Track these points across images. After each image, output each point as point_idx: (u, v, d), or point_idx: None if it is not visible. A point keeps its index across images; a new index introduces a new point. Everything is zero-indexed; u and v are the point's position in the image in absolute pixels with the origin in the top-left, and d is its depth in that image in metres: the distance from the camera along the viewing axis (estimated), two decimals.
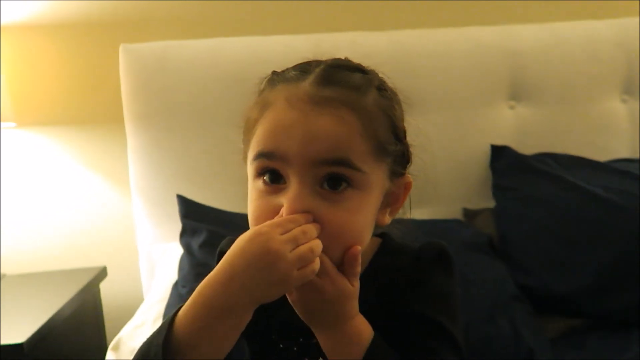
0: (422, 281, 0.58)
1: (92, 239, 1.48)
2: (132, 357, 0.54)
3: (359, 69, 0.59)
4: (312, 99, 0.52)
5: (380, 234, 0.63)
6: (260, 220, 0.52)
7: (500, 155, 1.34)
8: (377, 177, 0.55)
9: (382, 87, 0.58)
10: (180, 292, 1.00)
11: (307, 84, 0.54)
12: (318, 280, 0.51)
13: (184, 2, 1.43)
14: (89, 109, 1.44)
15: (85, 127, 1.44)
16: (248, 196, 0.56)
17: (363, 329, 0.54)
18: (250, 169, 0.55)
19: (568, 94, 1.41)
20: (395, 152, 0.56)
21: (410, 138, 0.60)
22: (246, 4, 1.44)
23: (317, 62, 0.57)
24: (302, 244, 0.49)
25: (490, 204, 1.32)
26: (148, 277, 1.35)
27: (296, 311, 0.54)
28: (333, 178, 0.52)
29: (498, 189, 1.31)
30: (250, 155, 0.55)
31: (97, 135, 1.45)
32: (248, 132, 0.57)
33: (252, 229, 0.51)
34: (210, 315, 0.49)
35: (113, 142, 1.43)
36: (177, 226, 1.17)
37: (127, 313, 1.50)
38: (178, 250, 1.17)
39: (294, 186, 0.52)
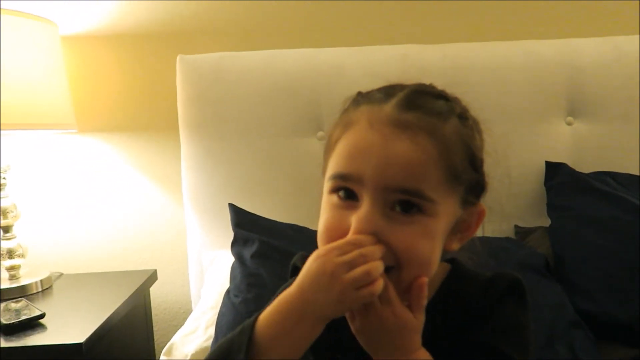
0: (492, 311, 0.57)
1: (145, 242, 1.52)
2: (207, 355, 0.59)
3: (442, 96, 0.60)
4: (392, 122, 0.53)
5: (450, 259, 0.62)
6: (328, 232, 0.55)
7: (556, 173, 1.30)
8: (447, 205, 0.55)
9: (463, 116, 0.59)
10: (232, 301, 1.01)
11: (389, 107, 0.55)
12: (379, 307, 0.52)
13: (239, 15, 1.46)
14: (146, 117, 1.48)
15: (142, 134, 1.49)
16: (321, 207, 0.58)
17: None
18: (327, 185, 0.57)
19: (629, 110, 1.35)
20: (470, 180, 0.57)
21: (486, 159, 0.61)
22: (299, 17, 1.46)
23: (402, 86, 0.59)
24: (359, 266, 0.50)
25: (544, 222, 1.28)
26: (197, 282, 1.38)
27: (357, 338, 0.55)
28: (404, 202, 0.53)
29: (553, 208, 1.27)
30: (328, 173, 0.57)
31: (153, 142, 1.49)
32: (329, 148, 0.59)
33: (315, 251, 0.54)
34: (287, 322, 0.53)
35: (168, 149, 1.47)
36: (227, 234, 1.19)
37: (175, 316, 1.54)
38: (227, 258, 1.18)
39: (364, 207, 0.53)
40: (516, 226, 1.33)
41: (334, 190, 0.56)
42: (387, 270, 0.52)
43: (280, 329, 0.53)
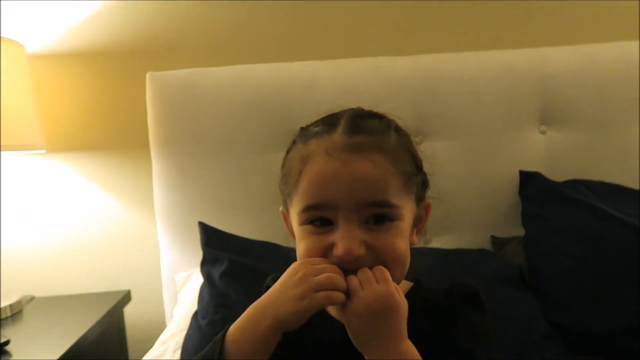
0: (456, 315, 0.62)
1: (119, 263, 1.50)
2: None
3: (376, 115, 0.66)
4: (346, 148, 0.59)
5: (414, 280, 0.68)
6: (309, 255, 0.60)
7: (530, 182, 1.29)
8: (408, 206, 0.62)
9: (397, 128, 0.65)
10: (199, 323, 0.99)
11: (337, 136, 0.60)
12: (360, 290, 0.56)
13: (209, 30, 1.45)
14: (116, 136, 1.46)
15: (112, 153, 1.47)
16: (296, 237, 0.64)
17: (415, 353, 0.56)
18: (299, 217, 0.61)
19: (602, 119, 1.35)
20: (418, 181, 0.65)
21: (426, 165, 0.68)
22: (270, 31, 1.45)
23: (338, 114, 0.64)
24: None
25: (520, 232, 1.27)
26: (170, 302, 1.35)
27: (350, 334, 0.57)
28: (376, 216, 0.59)
29: (527, 217, 1.26)
30: (298, 206, 0.61)
31: (124, 161, 1.47)
32: (290, 181, 0.63)
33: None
34: (248, 324, 0.58)
35: (139, 168, 1.45)
36: (200, 252, 1.16)
37: (150, 337, 1.51)
38: (201, 277, 1.16)
39: (343, 226, 0.58)
40: (492, 237, 1.32)
41: (309, 221, 0.60)
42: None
43: (241, 332, 0.58)
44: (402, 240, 0.60)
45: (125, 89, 1.44)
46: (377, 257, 0.58)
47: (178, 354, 1.00)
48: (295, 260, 0.65)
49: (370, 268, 0.58)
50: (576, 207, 1.18)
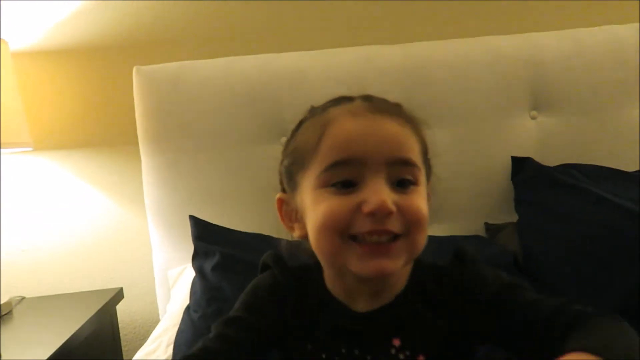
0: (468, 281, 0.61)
1: (110, 260, 1.48)
2: None
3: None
4: (371, 109, 0.58)
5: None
6: (335, 215, 0.55)
7: (522, 168, 1.29)
8: (423, 175, 0.60)
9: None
10: (192, 317, 0.98)
11: (358, 102, 0.60)
12: None
13: (195, 23, 1.43)
14: (104, 132, 1.44)
15: (101, 149, 1.45)
16: (312, 202, 0.58)
17: None
18: (318, 180, 0.57)
19: (593, 103, 1.35)
20: (427, 160, 0.63)
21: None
22: (258, 22, 1.44)
23: (345, 97, 0.63)
24: None
25: (514, 218, 1.26)
26: (164, 299, 1.34)
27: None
28: (401, 181, 0.57)
29: (520, 203, 1.26)
30: (321, 166, 0.57)
31: (113, 157, 1.45)
32: (306, 151, 0.59)
33: None
34: None
35: (128, 164, 1.44)
36: (192, 247, 1.15)
37: (144, 334, 1.50)
38: (193, 273, 1.15)
39: (372, 183, 0.55)
40: (486, 223, 1.32)
41: (331, 182, 0.56)
42: (397, 238, 0.55)
43: None
44: (425, 204, 0.58)
45: (112, 84, 1.43)
46: (404, 219, 0.55)
47: (171, 350, 0.99)
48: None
49: (398, 233, 0.55)
50: (569, 191, 1.18)
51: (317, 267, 0.64)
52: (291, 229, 0.64)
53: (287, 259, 0.68)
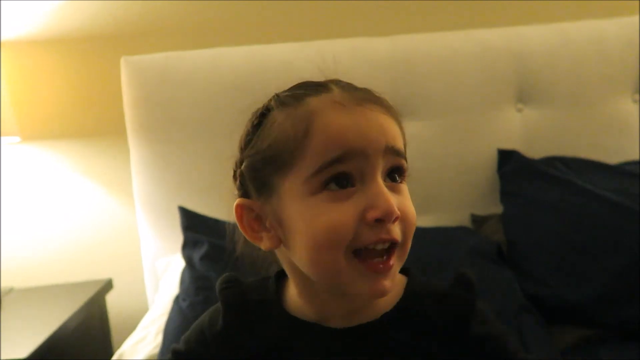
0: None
1: (98, 251, 1.48)
2: None
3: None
4: (356, 100, 0.51)
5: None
6: (338, 229, 0.49)
7: (508, 160, 1.31)
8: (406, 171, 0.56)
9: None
10: (180, 305, 0.99)
11: (337, 92, 0.52)
12: None
13: (183, 13, 1.43)
14: (92, 122, 1.44)
15: (89, 140, 1.45)
16: (305, 215, 0.50)
17: None
18: (309, 185, 0.50)
19: (577, 96, 1.37)
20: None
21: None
22: (246, 13, 1.44)
23: (312, 82, 0.56)
24: None
25: (499, 209, 1.28)
26: (153, 289, 1.34)
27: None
28: (393, 171, 0.53)
29: (506, 195, 1.28)
30: (309, 169, 0.50)
31: (101, 148, 1.45)
32: (283, 156, 0.51)
33: None
34: None
35: (116, 154, 1.44)
36: (181, 238, 1.16)
37: (133, 325, 1.50)
38: (182, 263, 1.16)
39: (376, 180, 0.50)
40: (472, 214, 1.33)
41: (325, 184, 0.50)
42: (393, 247, 0.51)
43: None
44: (411, 203, 0.53)
45: (100, 74, 1.42)
46: (402, 225, 0.51)
47: (159, 338, 1.00)
48: None
49: (399, 240, 0.50)
50: (553, 183, 1.20)
51: (275, 282, 0.59)
52: (257, 239, 0.55)
53: (245, 269, 0.61)
